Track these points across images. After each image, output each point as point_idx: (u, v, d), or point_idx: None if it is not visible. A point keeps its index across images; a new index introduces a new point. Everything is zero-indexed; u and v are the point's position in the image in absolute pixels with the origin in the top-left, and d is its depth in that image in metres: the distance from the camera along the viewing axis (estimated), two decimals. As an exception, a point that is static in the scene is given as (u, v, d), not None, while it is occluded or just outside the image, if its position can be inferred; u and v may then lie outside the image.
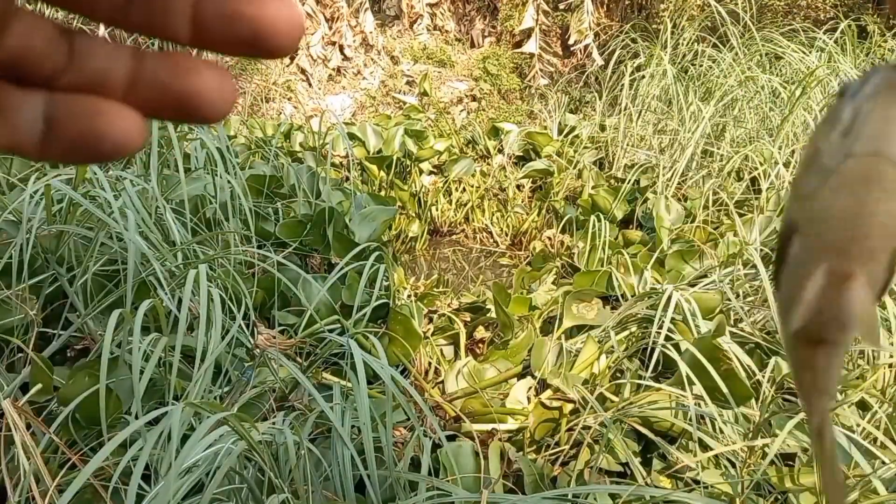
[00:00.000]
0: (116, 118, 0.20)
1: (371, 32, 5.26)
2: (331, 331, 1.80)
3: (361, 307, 1.97)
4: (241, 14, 0.19)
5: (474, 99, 5.16)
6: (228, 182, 2.14)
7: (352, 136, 3.51)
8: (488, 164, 3.84)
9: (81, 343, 1.62)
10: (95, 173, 1.73)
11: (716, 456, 1.52)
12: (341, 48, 5.18)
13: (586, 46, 5.13)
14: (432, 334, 2.13)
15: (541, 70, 5.21)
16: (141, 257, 1.61)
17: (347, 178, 3.18)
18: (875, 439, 1.47)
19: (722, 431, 1.55)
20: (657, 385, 1.66)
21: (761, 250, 2.16)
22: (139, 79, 0.20)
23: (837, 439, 1.41)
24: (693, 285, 2.12)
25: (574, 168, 3.55)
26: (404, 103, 4.93)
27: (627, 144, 3.58)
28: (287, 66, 5.00)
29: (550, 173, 3.58)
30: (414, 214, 3.47)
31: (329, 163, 2.81)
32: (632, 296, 2.19)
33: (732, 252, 2.36)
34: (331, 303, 2.01)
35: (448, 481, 1.39)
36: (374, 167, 3.42)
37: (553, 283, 2.57)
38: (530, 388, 1.85)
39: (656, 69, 3.68)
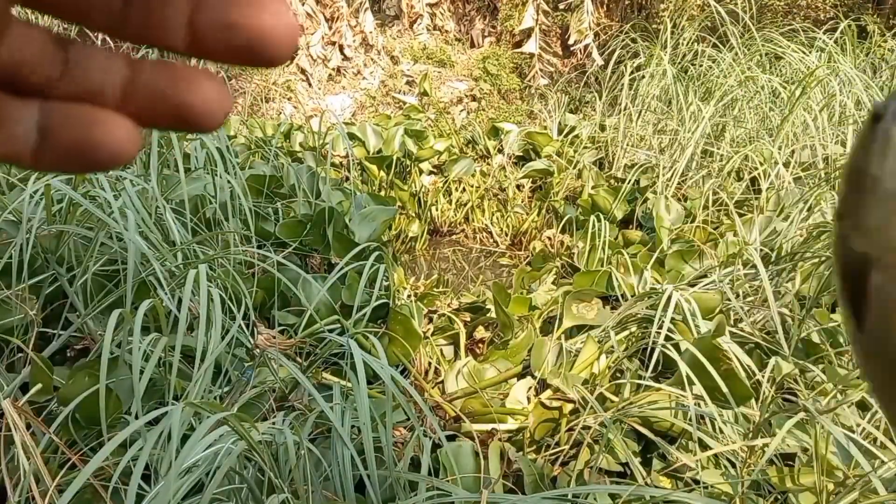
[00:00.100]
0: (111, 127, 0.20)
1: (371, 32, 5.26)
2: (331, 331, 1.80)
3: (361, 307, 1.97)
4: (237, 23, 0.19)
5: (474, 99, 5.17)
6: (228, 182, 2.14)
7: (352, 136, 3.51)
8: (488, 164, 3.84)
9: (81, 343, 1.62)
10: (95, 173, 1.73)
11: (716, 456, 1.52)
12: (341, 48, 5.18)
13: (586, 46, 5.13)
14: (432, 334, 2.13)
15: (541, 70, 5.21)
16: (141, 257, 1.61)
17: (347, 178, 3.18)
18: (875, 439, 1.47)
19: (722, 431, 1.55)
20: (657, 385, 1.66)
21: (761, 250, 2.16)
22: (134, 88, 0.20)
23: (837, 439, 1.41)
24: (693, 285, 2.12)
25: (574, 168, 3.55)
26: (404, 103, 4.93)
27: (627, 144, 3.58)
28: (287, 66, 5.00)
29: (550, 173, 3.58)
30: (414, 214, 3.47)
31: (329, 163, 2.81)
32: (632, 296, 2.19)
33: (732, 252, 2.36)
34: (331, 303, 2.01)
35: (448, 481, 1.39)
36: (374, 167, 3.42)
37: (553, 283, 2.57)
38: (530, 388, 1.85)
39: (656, 69, 3.68)
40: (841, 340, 1.86)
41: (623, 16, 5.29)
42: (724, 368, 1.58)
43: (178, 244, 1.82)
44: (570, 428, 1.63)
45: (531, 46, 5.16)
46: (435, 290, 2.53)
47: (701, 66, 3.77)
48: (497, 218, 3.62)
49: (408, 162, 3.60)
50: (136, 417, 1.24)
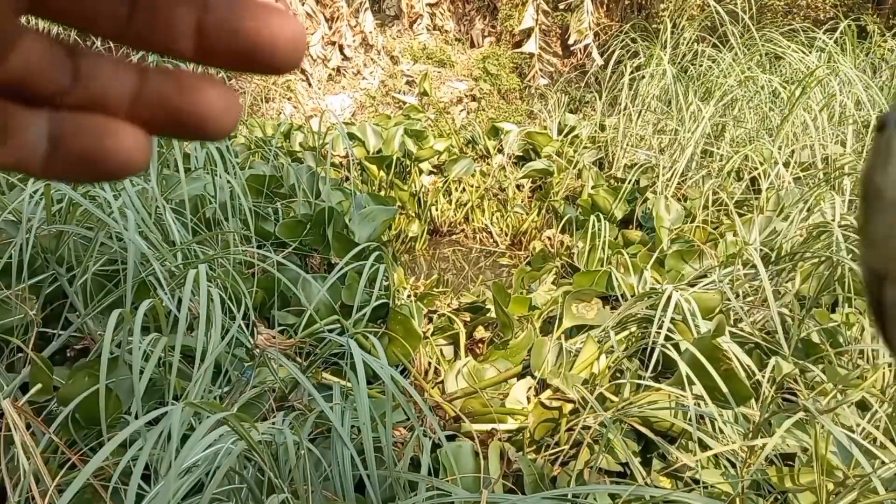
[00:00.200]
0: (121, 137, 0.20)
1: (371, 32, 5.26)
2: (330, 331, 1.80)
3: (361, 307, 1.97)
4: (243, 31, 0.19)
5: (474, 99, 5.16)
6: (228, 182, 2.14)
7: (351, 136, 3.51)
8: (488, 164, 3.84)
9: (81, 343, 1.62)
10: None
11: (715, 456, 1.52)
12: (341, 48, 5.18)
13: (586, 46, 5.13)
14: (432, 334, 2.13)
15: (540, 70, 5.21)
16: (141, 257, 1.61)
17: (347, 178, 3.18)
18: (875, 439, 1.47)
19: (722, 431, 1.55)
20: (657, 385, 1.66)
21: (761, 250, 2.16)
22: (143, 97, 0.20)
23: (837, 439, 1.41)
24: (693, 285, 2.12)
25: (574, 168, 3.55)
26: (404, 103, 4.93)
27: (627, 144, 3.58)
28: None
29: (550, 173, 3.58)
30: (414, 214, 3.47)
31: (329, 163, 2.81)
32: (631, 296, 2.19)
33: (732, 252, 2.37)
34: (330, 303, 2.01)
35: (448, 481, 1.39)
36: (373, 167, 3.42)
37: (553, 283, 2.57)
38: (530, 388, 1.85)
39: (656, 69, 3.68)
40: (841, 340, 1.86)
41: (623, 16, 5.29)
42: (724, 368, 1.58)
43: (178, 244, 1.82)
44: (570, 428, 1.63)
45: (531, 46, 5.16)
46: (435, 290, 2.53)
47: (701, 66, 3.77)
48: (497, 218, 3.62)
49: (408, 162, 3.60)
50: (136, 417, 1.24)
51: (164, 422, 1.17)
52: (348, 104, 5.09)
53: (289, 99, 4.92)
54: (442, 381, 1.93)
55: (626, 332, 1.99)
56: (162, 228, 1.85)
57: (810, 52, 3.67)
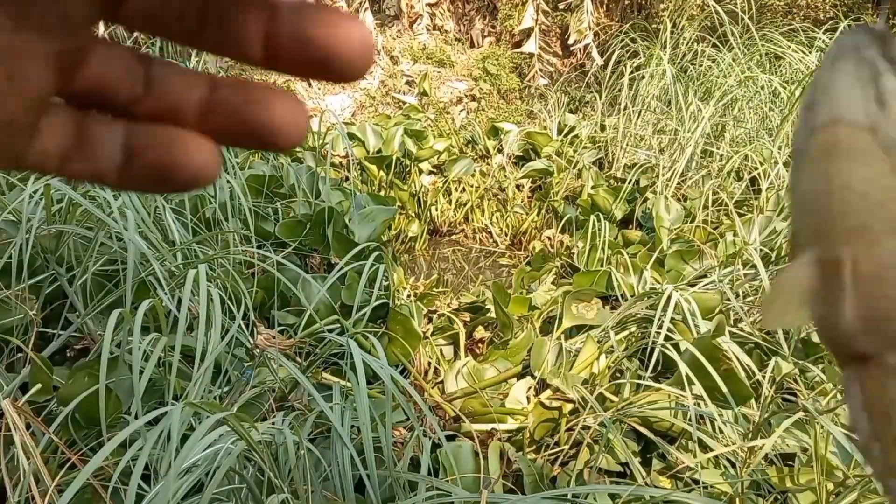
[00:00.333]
0: (192, 149, 0.20)
1: (371, 32, 5.26)
2: (330, 331, 1.80)
3: (361, 307, 1.97)
4: (314, 38, 0.19)
5: (474, 99, 5.16)
6: (228, 182, 2.14)
7: (351, 136, 3.51)
8: (488, 163, 3.84)
9: (81, 343, 1.62)
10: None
11: (715, 456, 1.52)
12: (341, 48, 5.18)
13: (586, 46, 5.13)
14: (432, 334, 2.13)
15: (540, 70, 5.21)
16: (140, 257, 1.61)
17: (347, 178, 3.18)
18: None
19: (721, 431, 1.55)
20: (657, 385, 1.66)
21: (761, 250, 2.16)
22: (214, 108, 0.20)
23: (837, 439, 1.41)
24: (693, 285, 2.12)
25: (574, 168, 3.55)
26: (404, 103, 4.92)
27: (627, 144, 3.58)
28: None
29: (550, 173, 3.58)
30: (413, 214, 3.47)
31: (329, 163, 2.81)
32: (631, 296, 2.19)
33: (732, 252, 2.37)
34: (330, 303, 2.01)
35: (448, 481, 1.39)
36: (373, 167, 3.42)
37: (553, 283, 2.57)
38: (530, 388, 1.85)
39: (656, 69, 3.68)
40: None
41: (623, 16, 5.29)
42: (724, 368, 1.58)
43: (178, 244, 1.82)
44: (570, 428, 1.63)
45: (531, 46, 5.16)
46: (435, 290, 2.53)
47: (701, 66, 3.77)
48: (497, 218, 3.62)
49: (407, 162, 3.60)
50: (136, 417, 1.24)
51: (164, 422, 1.17)
52: (348, 104, 5.09)
53: (289, 99, 4.91)
54: (442, 381, 1.93)
55: (626, 332, 1.99)
56: (162, 228, 1.85)
57: (810, 52, 3.67)
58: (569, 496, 1.37)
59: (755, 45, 3.78)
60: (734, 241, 2.46)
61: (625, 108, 3.63)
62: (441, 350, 2.09)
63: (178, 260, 1.77)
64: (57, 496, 1.11)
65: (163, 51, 3.66)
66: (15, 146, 0.19)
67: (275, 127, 0.20)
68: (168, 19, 0.19)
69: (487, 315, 2.22)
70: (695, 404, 1.54)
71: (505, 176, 3.72)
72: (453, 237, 3.62)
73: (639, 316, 1.99)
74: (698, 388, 1.57)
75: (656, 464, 1.56)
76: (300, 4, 0.19)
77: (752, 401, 1.58)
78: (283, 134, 0.20)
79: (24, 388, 1.38)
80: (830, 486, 1.39)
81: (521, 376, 1.92)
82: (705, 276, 2.26)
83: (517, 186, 3.70)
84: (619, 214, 3.11)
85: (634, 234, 2.93)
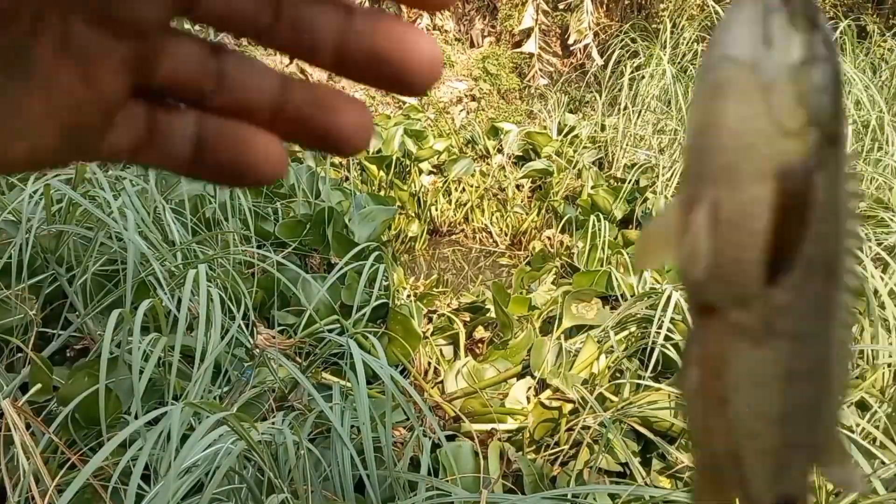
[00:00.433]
0: (261, 149, 0.21)
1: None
2: (330, 331, 1.80)
3: (361, 307, 1.97)
4: (386, 53, 0.19)
5: (474, 99, 5.16)
6: (228, 182, 2.13)
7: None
8: (488, 163, 3.84)
9: (81, 343, 1.62)
10: (95, 173, 1.73)
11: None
12: (341, 48, 5.18)
13: (586, 46, 5.13)
14: (432, 334, 2.13)
15: (540, 70, 5.21)
16: (140, 257, 1.61)
17: (347, 178, 3.18)
18: (875, 439, 1.47)
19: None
20: (657, 385, 1.66)
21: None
22: (284, 107, 0.21)
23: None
24: (692, 285, 2.11)
25: (574, 168, 3.55)
26: (404, 103, 4.92)
27: (627, 144, 3.58)
28: (287, 65, 5.00)
29: (550, 173, 3.58)
30: (413, 214, 3.47)
31: (329, 162, 2.81)
32: (631, 296, 2.19)
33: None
34: (330, 303, 2.01)
35: (447, 481, 1.39)
36: (373, 167, 3.42)
37: (552, 283, 2.57)
38: (530, 388, 1.85)
39: (656, 69, 3.68)
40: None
41: (623, 16, 5.29)
42: (724, 368, 1.58)
43: (178, 244, 1.82)
44: (570, 428, 1.63)
45: (531, 46, 5.16)
46: (434, 290, 2.53)
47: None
48: (497, 218, 3.62)
49: (407, 162, 3.60)
50: (136, 417, 1.24)
51: (164, 422, 1.17)
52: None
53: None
54: (442, 381, 1.93)
55: (626, 332, 1.99)
56: (161, 228, 1.85)
57: (810, 52, 3.67)
58: (569, 496, 1.37)
59: (755, 45, 3.78)
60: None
61: (625, 108, 3.63)
62: (441, 350, 2.09)
63: (177, 260, 1.77)
64: (57, 496, 1.11)
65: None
66: (88, 143, 0.20)
67: (343, 133, 0.20)
68: (242, 19, 0.19)
69: (487, 315, 2.22)
70: (695, 404, 1.53)
71: (505, 176, 3.72)
72: (453, 237, 3.62)
73: (639, 316, 1.99)
74: (698, 388, 1.56)
75: (656, 464, 1.56)
76: (374, 14, 0.19)
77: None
78: (349, 141, 0.21)
79: (24, 388, 1.38)
80: (830, 486, 1.39)
81: (520, 376, 1.92)
82: (705, 276, 2.26)
83: (517, 186, 3.70)
84: (619, 214, 3.11)
85: (634, 234, 2.93)
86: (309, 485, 1.24)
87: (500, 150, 3.88)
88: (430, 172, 3.69)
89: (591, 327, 2.07)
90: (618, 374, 1.85)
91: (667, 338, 1.74)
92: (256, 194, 2.49)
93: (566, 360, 1.89)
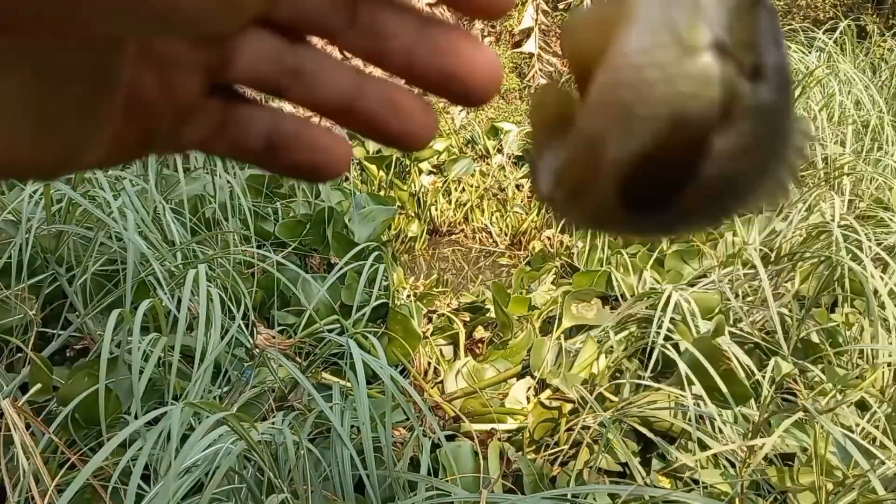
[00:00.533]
0: (332, 152, 0.22)
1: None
2: (330, 331, 1.80)
3: (361, 307, 1.97)
4: (452, 69, 0.20)
5: (474, 99, 5.16)
6: (228, 182, 2.14)
7: (351, 136, 3.51)
8: (488, 163, 3.84)
9: (81, 343, 1.62)
10: (94, 173, 1.73)
11: (715, 456, 1.52)
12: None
13: (586, 46, 5.13)
14: (432, 334, 2.13)
15: (540, 70, 5.21)
16: (140, 257, 1.61)
17: (347, 178, 3.18)
18: (874, 439, 1.47)
19: (721, 431, 1.55)
20: (656, 385, 1.66)
21: (760, 250, 2.16)
22: (356, 106, 0.21)
23: (836, 439, 1.41)
24: (692, 285, 2.12)
25: (573, 168, 3.54)
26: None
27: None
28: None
29: (550, 173, 3.58)
30: (413, 214, 3.47)
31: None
32: (631, 296, 2.19)
33: (732, 252, 2.36)
34: (330, 303, 2.01)
35: (447, 481, 1.39)
36: (373, 167, 3.42)
37: (552, 282, 2.56)
38: (529, 387, 1.85)
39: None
40: (840, 340, 1.86)
41: (622, 16, 5.29)
42: (724, 368, 1.58)
43: (178, 244, 1.82)
44: (570, 428, 1.63)
45: (531, 46, 5.16)
46: (434, 289, 2.53)
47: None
48: (496, 218, 3.62)
49: (407, 162, 3.60)
50: (136, 417, 1.24)
51: (164, 422, 1.17)
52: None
53: (288, 99, 4.91)
54: (441, 381, 1.93)
55: (626, 332, 1.99)
56: (161, 228, 1.85)
57: (810, 52, 3.67)
58: (568, 496, 1.37)
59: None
60: (734, 241, 2.46)
61: (624, 108, 3.63)
62: (441, 350, 2.09)
63: (177, 260, 1.77)
64: (57, 496, 1.11)
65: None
66: (162, 140, 0.20)
67: (408, 131, 0.21)
68: (314, 22, 0.20)
69: (487, 315, 2.22)
70: (694, 404, 1.54)
71: (505, 176, 3.72)
72: (453, 237, 3.62)
73: (639, 316, 1.99)
74: (698, 388, 1.57)
75: (656, 464, 1.56)
76: (446, 28, 0.20)
77: (752, 401, 1.58)
78: (412, 138, 0.21)
79: (23, 388, 1.38)
80: (830, 486, 1.40)
81: (520, 376, 1.92)
82: (705, 276, 2.26)
83: (517, 186, 3.70)
84: (618, 214, 3.10)
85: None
86: (309, 485, 1.24)
87: (500, 150, 3.88)
88: (430, 172, 3.69)
89: (591, 327, 2.07)
90: (618, 374, 1.85)
91: (667, 338, 1.74)
92: (256, 194, 2.49)
93: (566, 360, 1.89)
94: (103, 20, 0.15)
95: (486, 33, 5.58)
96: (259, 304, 1.98)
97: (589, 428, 1.57)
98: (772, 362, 1.67)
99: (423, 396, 1.77)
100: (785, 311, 1.91)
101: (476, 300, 2.37)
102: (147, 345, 1.41)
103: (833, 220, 2.08)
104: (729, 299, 1.97)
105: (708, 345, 1.61)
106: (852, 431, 1.45)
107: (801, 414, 1.46)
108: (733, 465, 1.52)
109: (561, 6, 5.27)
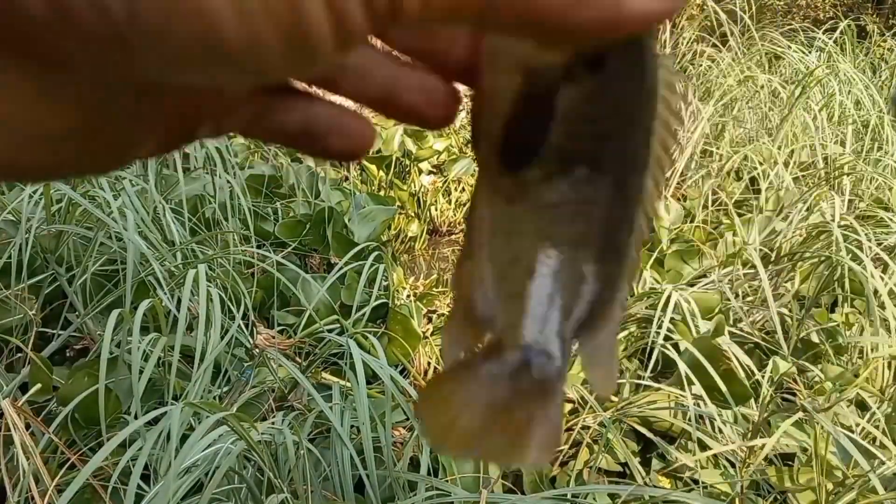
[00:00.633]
0: (361, 135, 0.23)
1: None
2: (330, 331, 1.80)
3: (361, 307, 1.97)
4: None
5: (474, 99, 5.16)
6: (227, 182, 2.14)
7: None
8: (488, 163, 3.84)
9: (81, 343, 1.62)
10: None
11: (715, 455, 1.52)
12: (341, 48, 5.18)
13: (586, 46, 5.13)
14: (431, 334, 2.13)
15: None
16: (140, 257, 1.61)
17: (347, 178, 3.18)
18: (874, 439, 1.47)
19: (721, 431, 1.55)
20: (656, 385, 1.66)
21: (760, 250, 2.16)
22: (394, 95, 0.22)
23: (836, 439, 1.41)
24: (692, 285, 2.12)
25: (573, 168, 3.54)
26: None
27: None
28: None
29: (550, 173, 3.58)
30: (413, 214, 3.47)
31: (328, 163, 2.81)
32: (631, 296, 2.19)
33: (732, 252, 2.36)
34: (330, 303, 2.01)
35: (447, 481, 1.39)
36: (373, 167, 3.42)
37: (552, 282, 2.56)
38: (529, 387, 1.85)
39: (656, 69, 3.67)
40: (840, 340, 1.86)
41: (622, 15, 5.29)
42: (724, 368, 1.58)
43: (178, 244, 1.82)
44: (570, 428, 1.63)
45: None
46: (434, 289, 2.53)
47: (700, 65, 3.77)
48: (496, 218, 3.62)
49: (407, 162, 3.59)
50: (136, 417, 1.24)
51: (164, 422, 1.17)
52: (348, 104, 5.09)
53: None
54: (441, 381, 1.93)
55: (626, 332, 1.99)
56: (161, 228, 1.85)
57: (810, 52, 3.67)
58: (568, 496, 1.37)
59: (755, 45, 3.78)
60: (734, 241, 2.46)
61: (624, 108, 3.62)
62: (441, 350, 2.09)
63: (177, 260, 1.77)
64: (56, 496, 1.11)
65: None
66: (201, 133, 0.21)
67: (433, 117, 0.23)
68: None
69: (487, 315, 2.22)
70: (694, 404, 1.54)
71: (505, 176, 3.72)
72: (453, 237, 3.61)
73: (638, 316, 1.99)
74: (698, 388, 1.57)
75: (656, 464, 1.56)
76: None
77: (752, 400, 1.58)
78: (436, 122, 0.23)
79: (23, 388, 1.38)
80: (830, 486, 1.40)
81: (520, 376, 1.92)
82: (705, 276, 2.26)
83: (517, 186, 3.70)
84: (618, 214, 3.10)
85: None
86: (309, 485, 1.24)
87: (499, 150, 3.88)
88: (430, 172, 3.69)
89: (591, 327, 2.06)
90: (617, 374, 1.85)
91: (667, 338, 1.74)
92: (256, 194, 2.49)
93: (566, 360, 1.89)
94: (154, 73, 0.16)
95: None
96: (259, 304, 1.98)
97: (589, 428, 1.57)
98: (771, 362, 1.67)
99: (422, 396, 1.77)
100: (785, 311, 1.91)
101: (476, 300, 2.37)
102: (147, 345, 1.41)
103: (833, 220, 2.08)
104: (729, 299, 1.97)
105: (708, 345, 1.61)
106: (852, 431, 1.45)
107: (800, 414, 1.47)
108: (733, 465, 1.52)
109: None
